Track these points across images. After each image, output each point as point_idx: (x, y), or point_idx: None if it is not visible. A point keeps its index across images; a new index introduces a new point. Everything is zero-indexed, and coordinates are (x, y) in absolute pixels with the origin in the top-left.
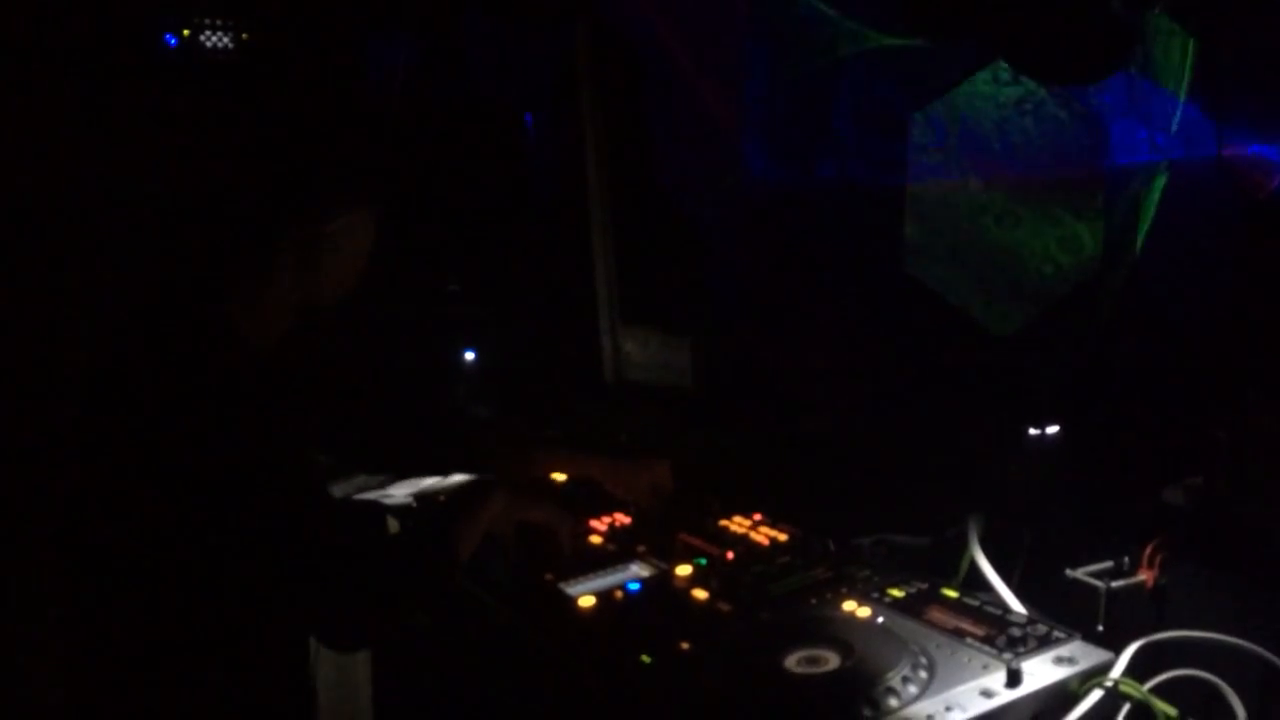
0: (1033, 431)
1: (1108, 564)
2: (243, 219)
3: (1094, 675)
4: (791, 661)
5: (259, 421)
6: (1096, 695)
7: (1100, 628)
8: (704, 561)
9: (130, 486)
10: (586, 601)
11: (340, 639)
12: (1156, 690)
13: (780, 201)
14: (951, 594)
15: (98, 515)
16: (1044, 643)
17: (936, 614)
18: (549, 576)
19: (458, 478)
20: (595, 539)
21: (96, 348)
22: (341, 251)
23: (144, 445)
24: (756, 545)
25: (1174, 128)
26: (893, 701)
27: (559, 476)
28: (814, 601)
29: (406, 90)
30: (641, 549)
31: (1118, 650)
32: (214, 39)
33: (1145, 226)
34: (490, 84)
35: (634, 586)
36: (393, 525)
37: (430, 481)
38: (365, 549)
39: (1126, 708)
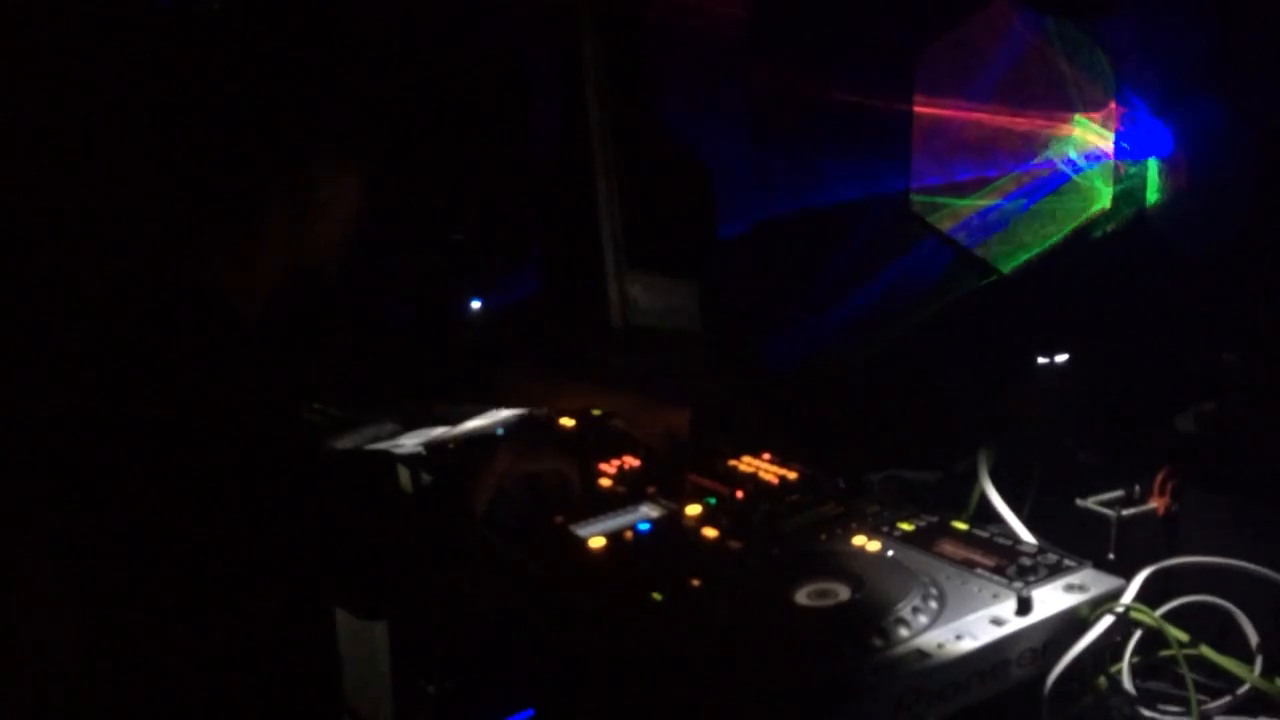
0: (1042, 361)
1: (1119, 493)
2: (227, 194)
3: (1105, 602)
4: (802, 595)
5: (249, 390)
6: (1108, 621)
7: (1111, 556)
8: (713, 500)
9: (123, 464)
10: (597, 543)
11: (360, 612)
12: (1168, 616)
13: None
14: (961, 526)
15: (92, 495)
16: (1054, 571)
17: (947, 546)
18: (559, 519)
19: (468, 425)
20: (605, 481)
21: (79, 323)
22: (330, 217)
23: (132, 421)
24: (766, 483)
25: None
26: (903, 631)
27: (567, 422)
28: (824, 537)
29: (403, 38)
30: (651, 490)
31: (1129, 578)
32: None
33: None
34: (488, 23)
35: (644, 527)
36: (404, 475)
37: (440, 431)
38: (376, 528)
39: (1138, 634)
